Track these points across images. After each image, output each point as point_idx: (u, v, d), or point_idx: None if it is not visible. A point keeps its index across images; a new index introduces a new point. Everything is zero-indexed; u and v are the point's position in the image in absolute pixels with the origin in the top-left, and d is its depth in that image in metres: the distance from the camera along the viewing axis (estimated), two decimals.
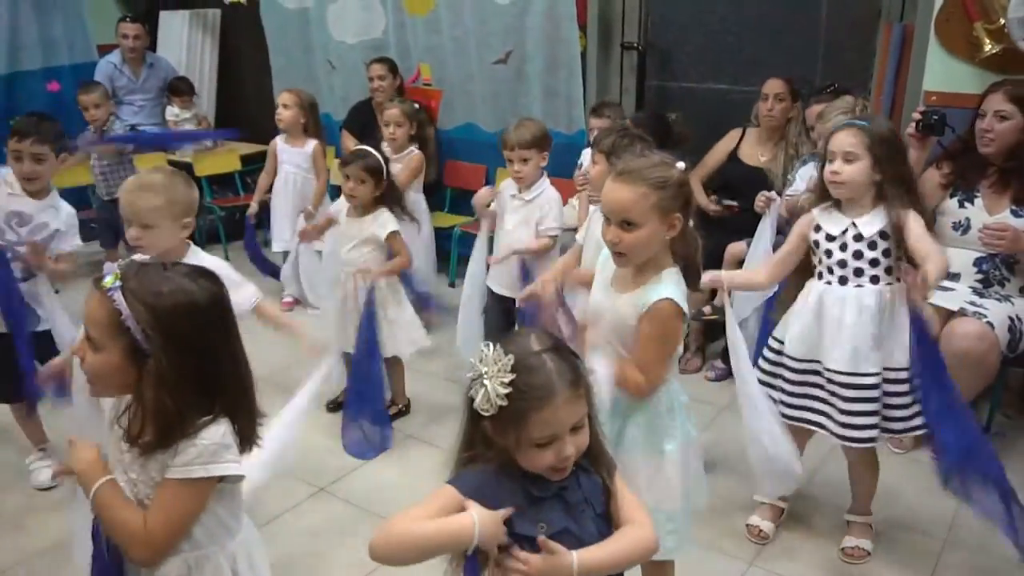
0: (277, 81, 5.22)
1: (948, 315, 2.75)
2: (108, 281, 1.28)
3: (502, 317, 3.08)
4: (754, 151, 3.60)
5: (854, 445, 2.23)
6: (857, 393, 2.17)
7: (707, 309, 3.50)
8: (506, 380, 1.18)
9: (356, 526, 2.52)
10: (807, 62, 3.86)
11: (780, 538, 2.47)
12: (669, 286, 1.71)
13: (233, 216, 5.26)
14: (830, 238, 2.22)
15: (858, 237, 2.18)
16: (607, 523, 1.30)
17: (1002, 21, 2.88)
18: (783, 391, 2.32)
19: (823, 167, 2.23)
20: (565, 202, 3.61)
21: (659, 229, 1.70)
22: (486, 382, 1.19)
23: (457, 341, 3.20)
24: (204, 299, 1.31)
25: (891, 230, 2.14)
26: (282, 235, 4.21)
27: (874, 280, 2.18)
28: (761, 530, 2.46)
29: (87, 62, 5.43)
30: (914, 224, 2.13)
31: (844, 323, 2.17)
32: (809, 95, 3.41)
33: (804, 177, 3.09)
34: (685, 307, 1.71)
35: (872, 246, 2.17)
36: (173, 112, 5.39)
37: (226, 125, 5.71)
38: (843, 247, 2.20)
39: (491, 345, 1.22)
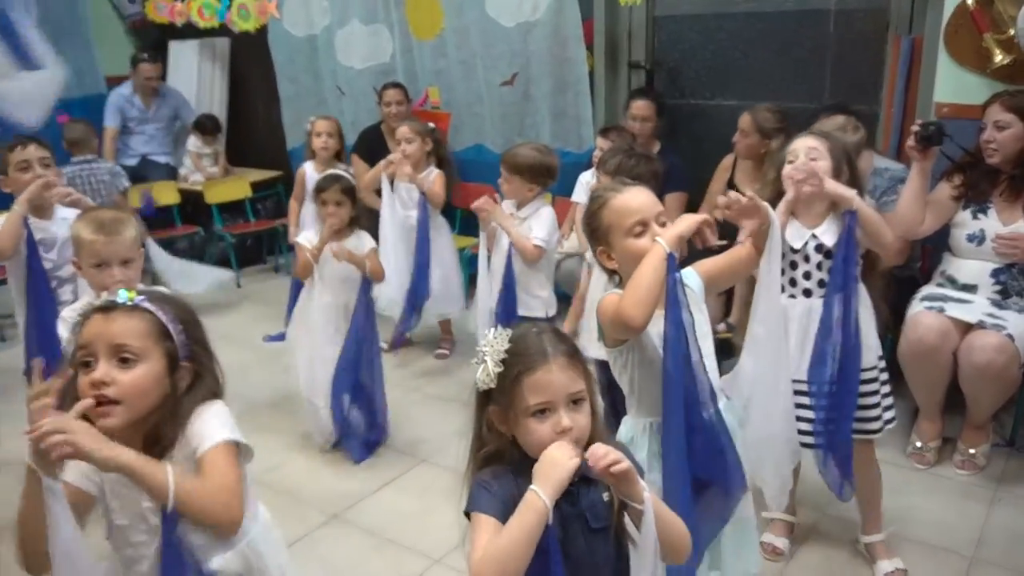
0: (286, 108, 5.28)
1: (967, 328, 2.73)
2: (131, 295, 1.34)
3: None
4: (748, 177, 3.58)
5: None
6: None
7: (721, 327, 3.49)
8: (502, 349, 1.28)
9: (372, 554, 2.51)
10: (816, 77, 3.87)
11: (802, 556, 2.44)
12: None
13: (244, 243, 5.33)
14: (793, 250, 2.23)
15: (819, 248, 2.20)
16: (605, 538, 1.29)
17: (1012, 32, 2.88)
18: None
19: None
20: (562, 223, 3.62)
21: None
22: (486, 358, 1.28)
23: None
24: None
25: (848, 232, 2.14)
26: None
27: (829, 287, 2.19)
28: (776, 547, 2.44)
29: (96, 94, 5.51)
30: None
31: (810, 335, 2.18)
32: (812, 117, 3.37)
33: None
34: None
35: (829, 255, 2.19)
36: (195, 144, 5.45)
37: (236, 152, 5.76)
38: (806, 259, 2.22)
39: (493, 329, 1.32)
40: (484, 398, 1.31)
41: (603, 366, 2.05)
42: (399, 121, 4.27)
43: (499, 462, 1.31)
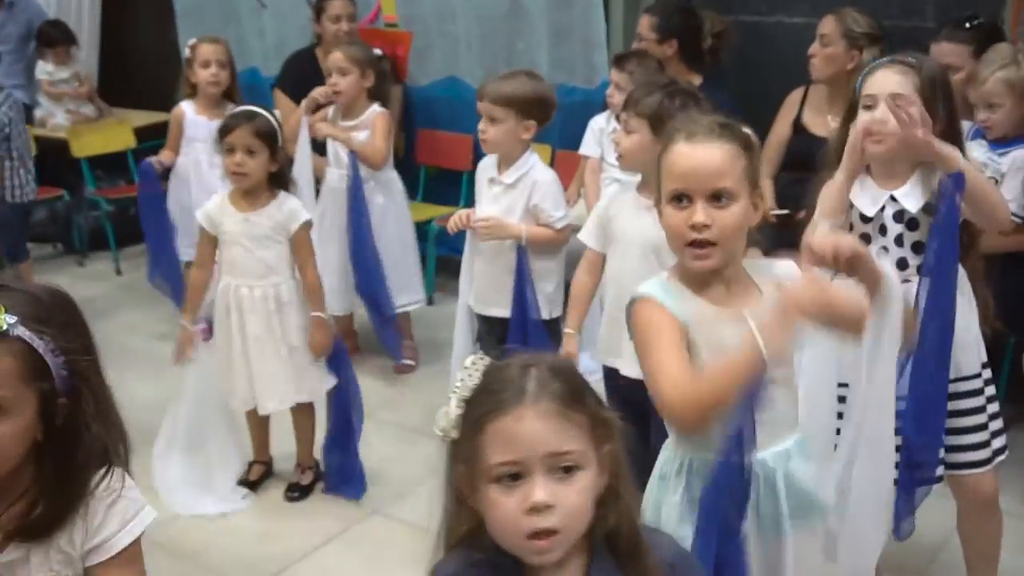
0: (184, 25, 5.23)
1: None
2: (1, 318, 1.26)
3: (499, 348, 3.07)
4: (821, 116, 3.59)
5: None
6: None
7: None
8: (472, 384, 1.22)
9: None
10: None
11: None
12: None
13: (125, 212, 5.24)
14: (865, 219, 2.23)
15: (899, 215, 2.20)
16: None
17: None
18: None
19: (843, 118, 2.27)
20: (566, 184, 3.56)
21: (748, 206, 1.69)
22: (451, 396, 1.23)
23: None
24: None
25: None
26: (190, 237, 4.14)
27: (921, 271, 2.19)
28: None
29: None
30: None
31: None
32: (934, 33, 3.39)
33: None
34: None
35: (913, 225, 2.20)
36: (46, 70, 5.40)
37: (113, 84, 5.72)
38: (882, 230, 2.23)
39: (472, 355, 1.27)
40: (452, 454, 1.26)
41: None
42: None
43: (477, 549, 1.24)
